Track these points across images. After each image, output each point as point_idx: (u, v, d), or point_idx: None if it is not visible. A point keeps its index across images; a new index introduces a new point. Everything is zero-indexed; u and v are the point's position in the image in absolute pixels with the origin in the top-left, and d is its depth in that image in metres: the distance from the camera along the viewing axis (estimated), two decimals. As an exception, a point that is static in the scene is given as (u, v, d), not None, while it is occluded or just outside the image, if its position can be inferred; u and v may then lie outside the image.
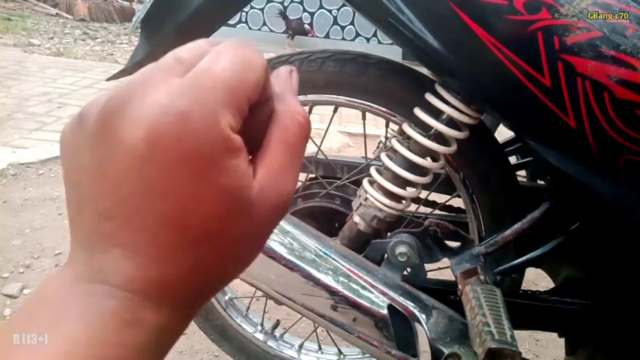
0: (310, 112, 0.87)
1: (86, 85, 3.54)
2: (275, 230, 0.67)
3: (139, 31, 0.77)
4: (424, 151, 0.70)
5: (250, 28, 6.62)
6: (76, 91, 3.35)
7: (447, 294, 0.75)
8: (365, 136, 0.90)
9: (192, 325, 1.03)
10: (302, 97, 0.82)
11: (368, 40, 6.51)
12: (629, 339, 0.74)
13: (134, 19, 0.72)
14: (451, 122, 0.68)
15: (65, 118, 2.78)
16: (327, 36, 6.53)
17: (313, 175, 0.93)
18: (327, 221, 0.84)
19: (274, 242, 0.66)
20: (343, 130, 2.99)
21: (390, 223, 0.77)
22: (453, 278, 0.72)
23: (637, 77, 0.53)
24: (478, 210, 0.79)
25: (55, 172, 2.09)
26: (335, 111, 0.87)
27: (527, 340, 1.37)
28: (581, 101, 0.54)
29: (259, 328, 1.02)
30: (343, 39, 6.73)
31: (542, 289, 0.84)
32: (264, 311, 1.03)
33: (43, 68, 3.85)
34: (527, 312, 0.82)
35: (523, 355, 0.71)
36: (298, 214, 0.84)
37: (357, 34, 6.76)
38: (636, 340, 0.72)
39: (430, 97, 0.68)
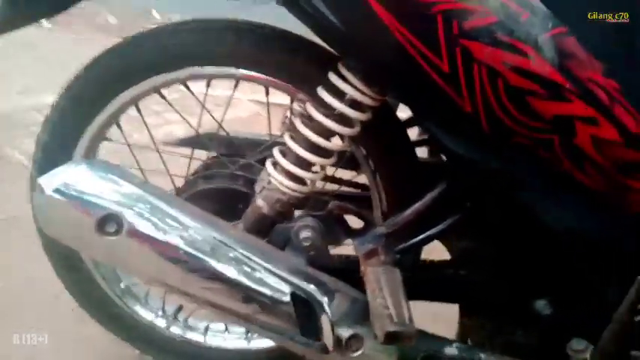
0: (208, 85, 0.81)
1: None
2: (163, 217, 0.61)
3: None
4: (327, 132, 0.68)
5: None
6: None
7: (354, 273, 0.75)
8: (269, 112, 0.86)
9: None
10: (199, 70, 0.75)
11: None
12: (518, 308, 0.80)
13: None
14: (354, 103, 0.66)
15: None
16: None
17: (215, 154, 0.88)
18: (230, 204, 0.80)
19: (164, 232, 0.60)
20: (253, 98, 2.90)
21: (295, 205, 0.75)
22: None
23: (529, 64, 0.54)
24: (381, 188, 0.80)
25: None
26: (236, 85, 0.81)
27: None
28: (477, 87, 0.55)
29: (160, 313, 0.96)
30: None
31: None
32: (164, 295, 0.97)
33: None
34: (426, 285, 0.86)
35: (422, 314, 0.74)
36: (197, 196, 0.79)
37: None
38: (524, 309, 0.78)
39: (333, 77, 0.66)
